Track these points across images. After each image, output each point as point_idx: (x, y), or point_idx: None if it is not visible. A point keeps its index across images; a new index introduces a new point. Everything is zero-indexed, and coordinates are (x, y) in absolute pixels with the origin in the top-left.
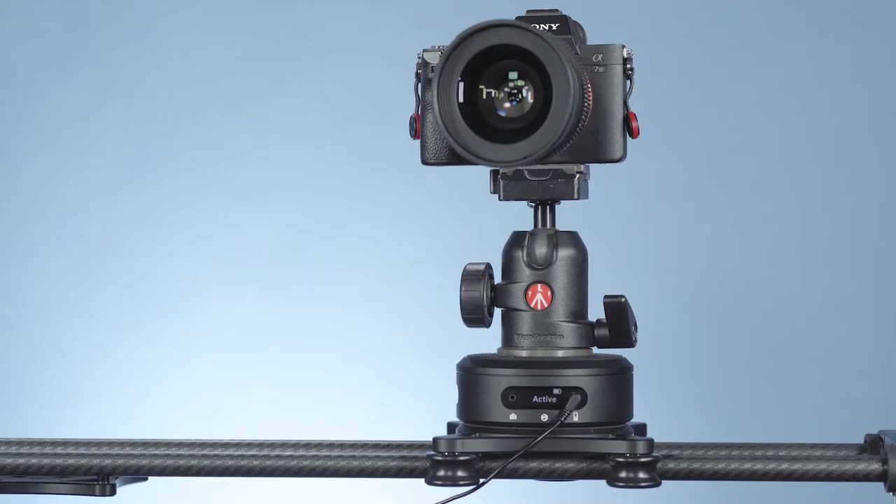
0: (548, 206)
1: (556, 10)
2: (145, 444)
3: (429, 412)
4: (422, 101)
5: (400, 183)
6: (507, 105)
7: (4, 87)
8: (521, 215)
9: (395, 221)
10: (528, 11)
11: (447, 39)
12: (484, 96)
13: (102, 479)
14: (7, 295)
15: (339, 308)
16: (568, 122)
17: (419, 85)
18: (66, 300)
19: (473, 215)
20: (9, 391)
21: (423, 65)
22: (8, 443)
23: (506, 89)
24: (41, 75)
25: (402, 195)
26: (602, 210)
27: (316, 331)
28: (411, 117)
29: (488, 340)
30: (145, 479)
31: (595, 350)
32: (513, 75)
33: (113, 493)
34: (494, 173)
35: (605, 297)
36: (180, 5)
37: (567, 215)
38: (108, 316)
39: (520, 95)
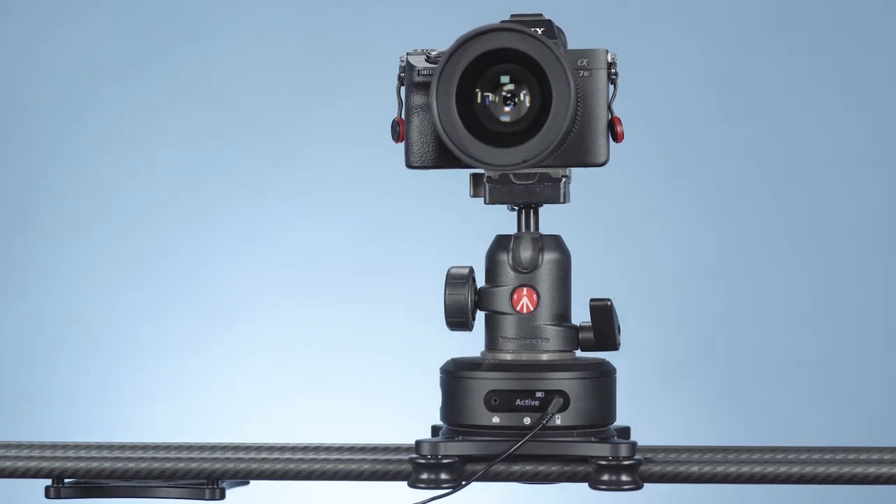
0: (531, 210)
1: (540, 15)
2: (247, 447)
3: (411, 416)
4: (405, 105)
5: (382, 186)
6: (505, 109)
7: (63, 90)
8: (496, 219)
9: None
10: (512, 16)
11: (429, 43)
12: (479, 100)
13: (212, 482)
14: (65, 297)
15: (322, 311)
16: (568, 125)
17: (401, 88)
18: (122, 302)
19: (453, 219)
20: (65, 393)
21: (408, 68)
22: (120, 447)
23: (503, 93)
24: (99, 78)
25: (385, 198)
26: (583, 213)
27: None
28: (394, 121)
29: (471, 344)
30: (247, 482)
31: (578, 353)
32: (505, 79)
33: (222, 496)
34: (476, 177)
35: (592, 300)
36: (236, 7)
37: (547, 219)
38: (164, 318)
39: (517, 99)
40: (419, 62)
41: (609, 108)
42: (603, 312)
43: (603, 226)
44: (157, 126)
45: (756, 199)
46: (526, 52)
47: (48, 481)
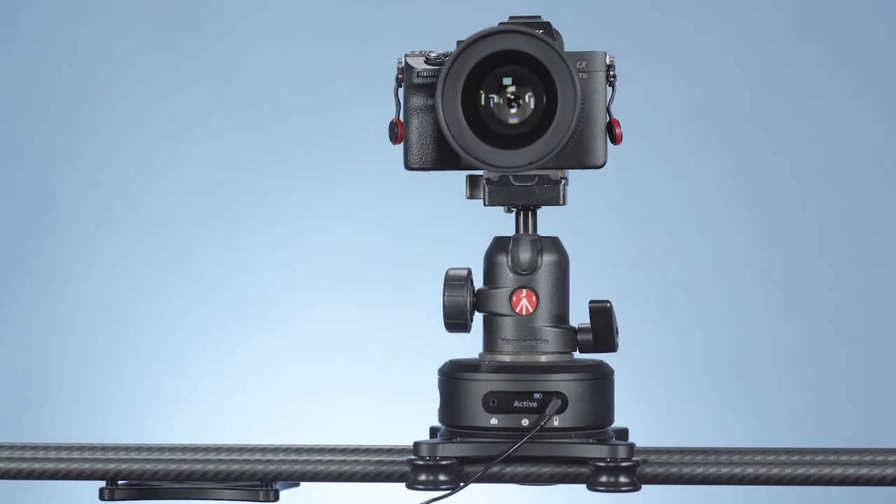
0: (529, 212)
1: (539, 17)
2: (298, 449)
3: (409, 417)
4: (404, 106)
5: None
6: (511, 111)
7: (92, 91)
8: (491, 221)
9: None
10: (510, 18)
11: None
12: (483, 102)
13: (266, 484)
14: (96, 297)
15: (316, 310)
16: (574, 127)
17: (399, 89)
18: (153, 303)
19: (450, 220)
20: (95, 395)
21: (407, 69)
22: (172, 448)
23: (507, 95)
24: (127, 79)
25: (381, 200)
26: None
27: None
28: (392, 122)
29: (468, 345)
30: (297, 484)
31: (576, 355)
32: (507, 80)
33: (276, 498)
34: (473, 179)
35: (591, 301)
36: (265, 8)
37: (544, 220)
38: (195, 320)
39: (521, 101)
40: (418, 64)
41: (607, 110)
42: (602, 314)
43: (600, 227)
44: (186, 127)
45: (755, 200)
46: (531, 55)
47: (102, 483)
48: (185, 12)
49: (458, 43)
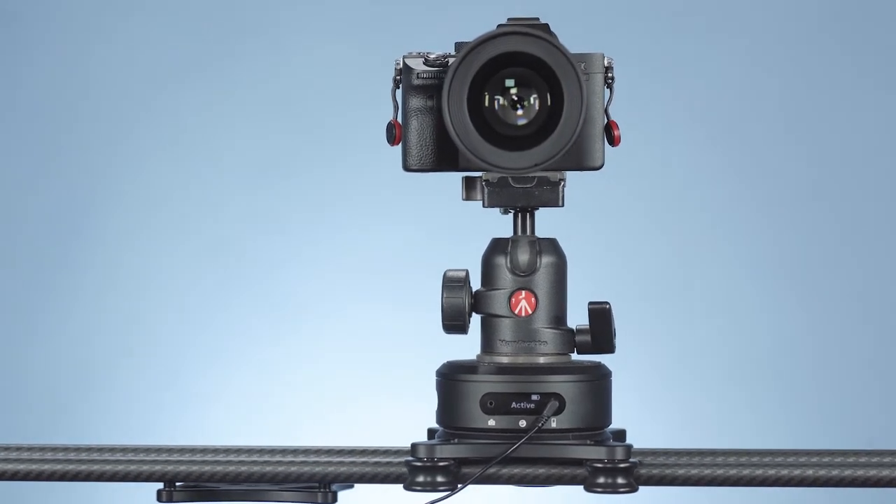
0: (528, 213)
1: (537, 19)
2: (351, 451)
3: (407, 418)
4: (402, 107)
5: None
6: (517, 112)
7: (124, 91)
8: (485, 222)
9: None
10: (508, 19)
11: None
12: (487, 103)
13: (324, 486)
14: (126, 298)
15: (316, 312)
16: (580, 128)
17: (396, 91)
18: (184, 304)
19: (445, 222)
20: (126, 396)
21: (406, 70)
22: (226, 450)
23: (512, 96)
24: (160, 79)
25: (378, 203)
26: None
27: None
28: (389, 123)
29: (466, 346)
30: (352, 485)
31: (574, 356)
32: (510, 82)
33: (335, 500)
34: (469, 181)
35: (590, 303)
36: (300, 7)
37: (540, 222)
38: (227, 321)
39: (526, 102)
40: (417, 65)
41: (605, 112)
42: (602, 315)
43: (595, 229)
44: (219, 128)
45: (751, 201)
46: (537, 56)
47: (160, 485)
48: (219, 13)
49: (457, 45)
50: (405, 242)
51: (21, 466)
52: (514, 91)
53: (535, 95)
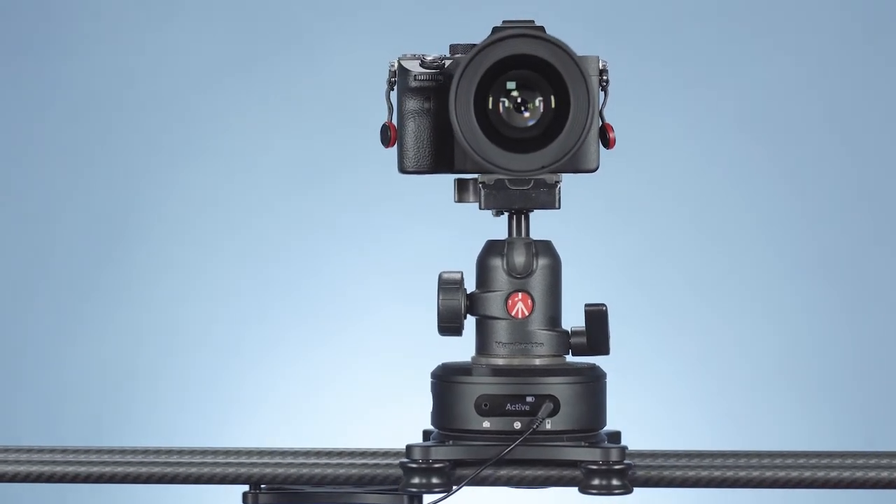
0: (523, 216)
1: (532, 21)
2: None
3: (400, 420)
4: (399, 109)
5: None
6: (524, 115)
7: (167, 93)
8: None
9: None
10: (504, 22)
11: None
12: (492, 106)
13: (405, 489)
14: (171, 301)
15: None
16: (587, 131)
17: (390, 93)
18: (227, 305)
19: (438, 224)
20: (169, 399)
21: (402, 72)
22: (316, 453)
23: (518, 99)
24: (204, 80)
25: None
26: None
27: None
28: (384, 125)
29: (459, 348)
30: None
31: (568, 358)
32: (511, 84)
33: (420, 503)
34: (462, 182)
35: (587, 305)
36: (342, 9)
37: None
38: (269, 322)
39: (531, 105)
40: (414, 67)
41: (600, 114)
42: (598, 317)
43: (591, 231)
44: (264, 129)
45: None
46: (544, 59)
47: (245, 487)
48: (259, 15)
49: (452, 47)
50: (398, 244)
51: (106, 469)
52: (519, 93)
53: (539, 97)
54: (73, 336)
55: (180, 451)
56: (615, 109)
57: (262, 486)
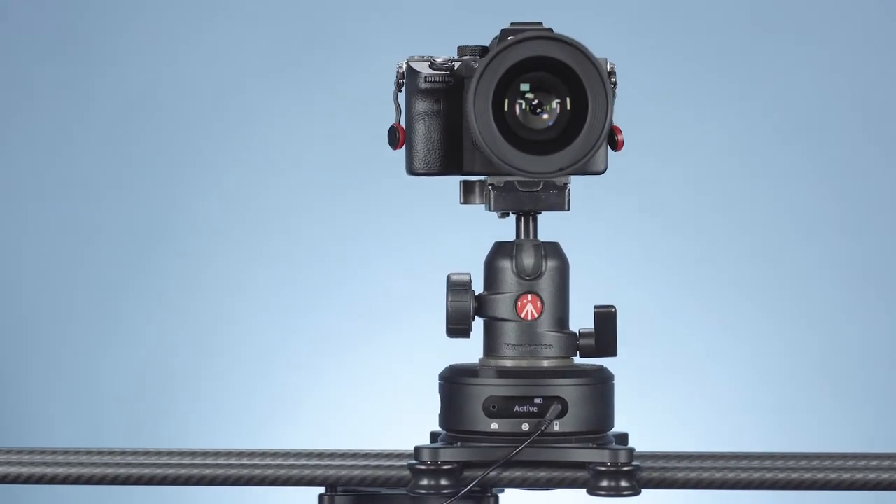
0: (531, 217)
1: (541, 23)
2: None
3: (408, 422)
4: (407, 111)
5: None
6: (542, 116)
7: (205, 95)
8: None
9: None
10: (511, 24)
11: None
12: (507, 108)
13: (487, 490)
14: (211, 303)
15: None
16: (605, 132)
17: (398, 94)
18: (270, 306)
19: (443, 226)
20: (211, 399)
21: (411, 74)
22: (396, 455)
23: (534, 101)
24: (241, 82)
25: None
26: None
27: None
28: (391, 127)
29: (465, 350)
30: (503, 490)
31: (576, 360)
32: (525, 86)
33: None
34: (468, 184)
35: (596, 307)
36: (384, 8)
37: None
38: (315, 323)
39: (548, 106)
40: (423, 68)
41: None
42: (607, 319)
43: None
44: (303, 129)
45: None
46: (562, 60)
47: (321, 489)
48: (299, 15)
49: (460, 49)
50: (405, 246)
51: (182, 471)
52: (536, 95)
53: (557, 99)
54: (113, 340)
55: (251, 454)
56: (648, 110)
57: (339, 487)
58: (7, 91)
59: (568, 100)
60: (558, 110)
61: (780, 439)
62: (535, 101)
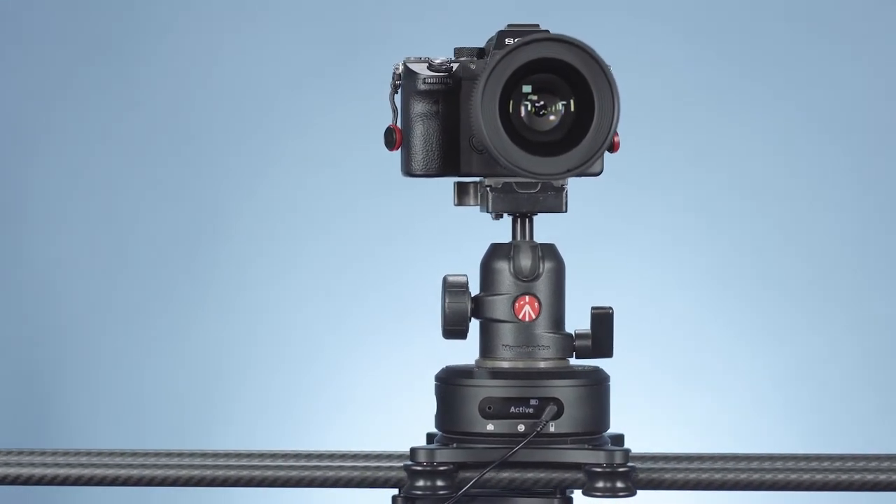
0: (527, 219)
1: (537, 25)
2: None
3: (404, 423)
4: (404, 112)
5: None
6: (549, 118)
7: (249, 94)
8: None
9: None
10: (508, 26)
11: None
12: (512, 109)
13: (560, 492)
14: (254, 303)
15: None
16: (612, 133)
17: (395, 95)
18: (309, 308)
19: (438, 227)
20: (251, 401)
21: (409, 74)
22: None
23: (539, 102)
24: (286, 83)
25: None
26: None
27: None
28: (388, 128)
29: (460, 351)
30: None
31: (572, 361)
32: (528, 88)
33: None
34: (462, 186)
35: (593, 308)
36: (424, 9)
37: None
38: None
39: (553, 108)
40: (422, 70)
41: None
42: (604, 320)
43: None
44: (346, 129)
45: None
46: (568, 62)
47: (395, 491)
48: (339, 17)
49: (457, 50)
50: (401, 247)
51: (256, 473)
52: (540, 97)
53: (563, 101)
54: (154, 342)
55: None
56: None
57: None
58: (51, 94)
59: (572, 101)
60: (563, 112)
61: (779, 439)
62: (541, 103)
